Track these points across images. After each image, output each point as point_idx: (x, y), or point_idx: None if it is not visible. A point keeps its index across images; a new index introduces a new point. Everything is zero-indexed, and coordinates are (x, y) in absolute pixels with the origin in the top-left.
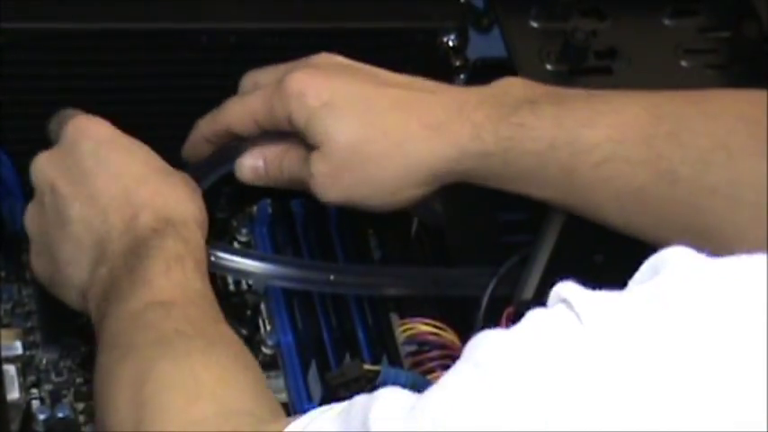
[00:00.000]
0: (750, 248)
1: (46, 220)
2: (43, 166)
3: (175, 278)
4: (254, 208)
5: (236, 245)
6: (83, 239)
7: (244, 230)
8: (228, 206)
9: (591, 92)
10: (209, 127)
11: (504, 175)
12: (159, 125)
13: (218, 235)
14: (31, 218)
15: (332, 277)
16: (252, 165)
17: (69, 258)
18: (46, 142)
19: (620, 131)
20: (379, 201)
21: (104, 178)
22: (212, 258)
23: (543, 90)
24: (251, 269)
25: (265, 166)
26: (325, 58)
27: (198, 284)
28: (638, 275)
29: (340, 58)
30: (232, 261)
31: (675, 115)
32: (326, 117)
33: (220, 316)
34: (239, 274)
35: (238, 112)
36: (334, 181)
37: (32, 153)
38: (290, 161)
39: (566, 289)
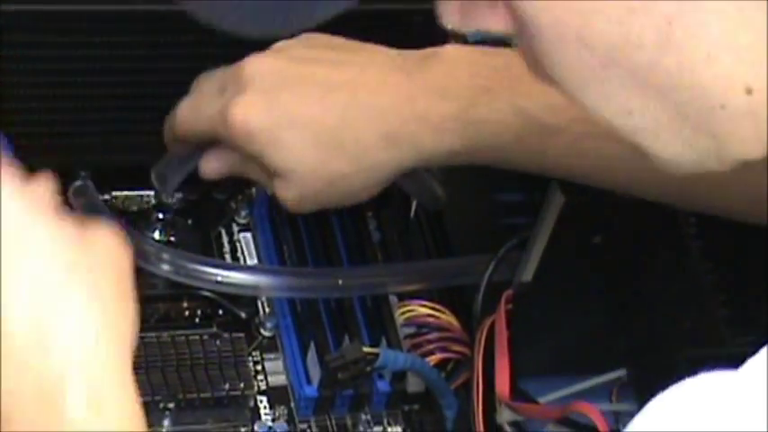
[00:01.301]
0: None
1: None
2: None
3: None
4: (253, 190)
5: (234, 227)
6: None
7: (243, 212)
8: (227, 188)
9: None
10: (168, 134)
11: (473, 162)
12: (161, 107)
13: (217, 217)
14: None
15: (340, 282)
16: (215, 168)
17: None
18: (47, 125)
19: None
20: (347, 202)
21: None
22: (218, 278)
23: (490, 69)
24: (254, 284)
25: (230, 172)
26: (269, 64)
27: None
28: None
29: (280, 63)
30: (235, 278)
31: None
32: (279, 150)
33: None
34: (244, 289)
35: (190, 129)
36: (300, 203)
37: (34, 136)
38: (253, 170)
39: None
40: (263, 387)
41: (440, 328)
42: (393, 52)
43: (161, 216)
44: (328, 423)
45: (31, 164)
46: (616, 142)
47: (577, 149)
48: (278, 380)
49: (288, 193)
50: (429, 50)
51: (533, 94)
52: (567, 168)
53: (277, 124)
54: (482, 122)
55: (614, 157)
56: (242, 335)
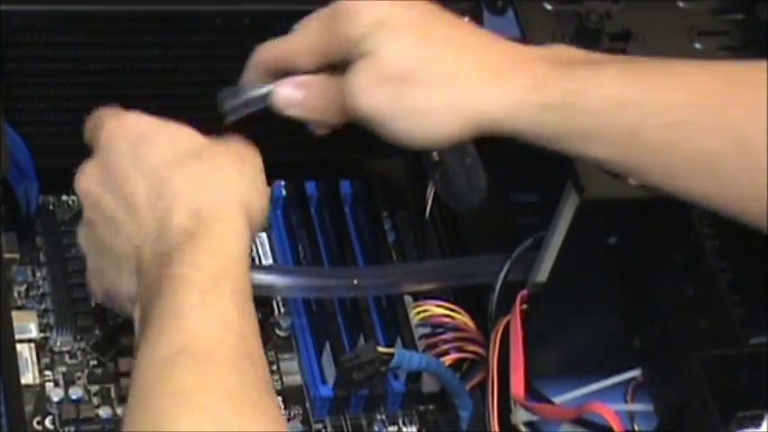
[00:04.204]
0: None
1: (96, 235)
2: (84, 183)
3: (211, 312)
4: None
5: None
6: (122, 249)
7: None
8: None
9: (651, 58)
10: (267, 52)
11: (559, 131)
12: (173, 107)
13: None
14: (84, 237)
15: (355, 282)
16: (288, 93)
17: (116, 272)
18: (60, 124)
19: (692, 96)
20: (407, 129)
21: (138, 175)
22: None
23: (604, 54)
24: (269, 284)
25: (306, 93)
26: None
27: (235, 315)
28: None
29: None
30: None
31: (748, 83)
32: (380, 33)
33: (259, 366)
34: (259, 289)
35: (299, 36)
36: (371, 90)
37: (47, 135)
38: (329, 85)
39: None
40: (278, 387)
41: (455, 328)
42: None
43: None
44: (343, 423)
45: (46, 165)
46: (716, 135)
47: (675, 134)
48: (293, 380)
49: (364, 73)
50: None
51: (643, 71)
52: (653, 156)
53: (389, 12)
54: (584, 81)
55: (709, 154)
56: None
